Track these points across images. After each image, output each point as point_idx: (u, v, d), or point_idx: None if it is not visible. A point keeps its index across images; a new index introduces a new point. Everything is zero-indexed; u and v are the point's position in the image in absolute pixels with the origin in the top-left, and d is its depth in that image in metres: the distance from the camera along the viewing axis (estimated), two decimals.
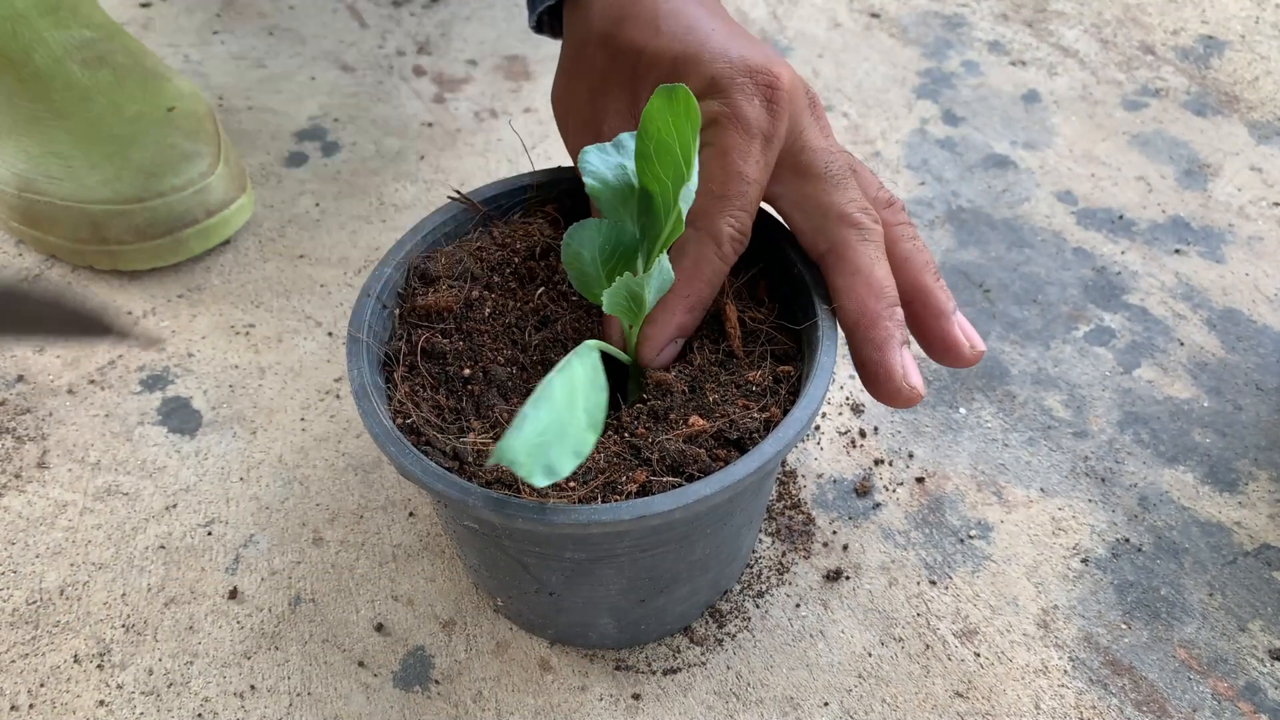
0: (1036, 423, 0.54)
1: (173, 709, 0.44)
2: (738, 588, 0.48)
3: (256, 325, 0.59)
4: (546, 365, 0.41)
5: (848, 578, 0.48)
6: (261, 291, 0.61)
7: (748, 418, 0.38)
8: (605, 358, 0.40)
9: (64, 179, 0.58)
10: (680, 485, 0.35)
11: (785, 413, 0.38)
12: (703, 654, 0.46)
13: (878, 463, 0.53)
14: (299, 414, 0.55)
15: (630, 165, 0.36)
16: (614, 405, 0.41)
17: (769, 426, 0.38)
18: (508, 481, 0.36)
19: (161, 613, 0.47)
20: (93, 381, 0.56)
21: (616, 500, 0.35)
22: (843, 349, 0.57)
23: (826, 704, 0.44)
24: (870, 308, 0.38)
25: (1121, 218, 0.65)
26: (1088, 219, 0.65)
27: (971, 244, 0.63)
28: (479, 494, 0.34)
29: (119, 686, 0.45)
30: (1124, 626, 0.46)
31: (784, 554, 0.49)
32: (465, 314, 0.42)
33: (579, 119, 0.43)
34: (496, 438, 0.38)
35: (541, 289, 0.43)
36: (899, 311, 0.39)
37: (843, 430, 0.54)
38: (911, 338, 0.41)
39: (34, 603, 0.47)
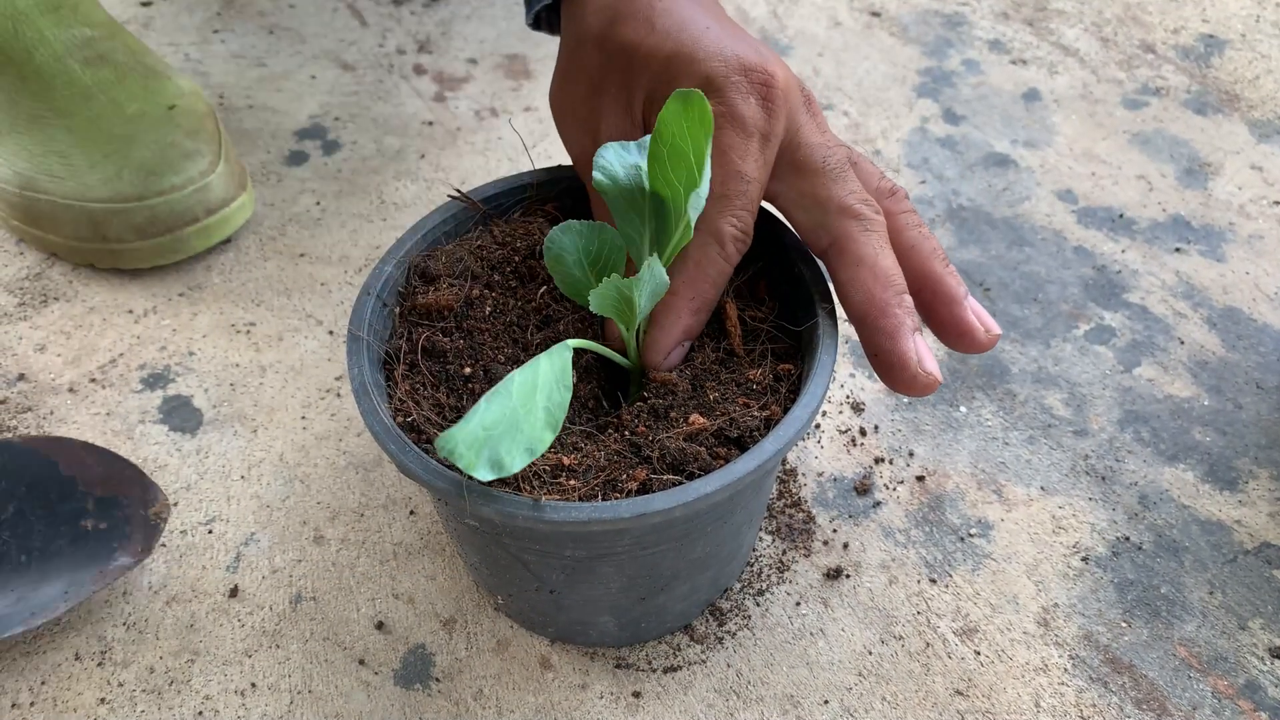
0: (1037, 421, 0.54)
1: (174, 707, 0.44)
2: (738, 586, 0.48)
3: (257, 324, 0.59)
4: None
5: (848, 576, 0.48)
6: (262, 290, 0.61)
7: (748, 416, 0.38)
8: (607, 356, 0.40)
9: (65, 177, 0.58)
10: (681, 483, 0.35)
11: (786, 411, 0.38)
12: (703, 652, 0.46)
13: (878, 461, 0.53)
14: (300, 412, 0.55)
15: (645, 166, 0.36)
16: (614, 404, 0.41)
17: (769, 425, 0.38)
18: (508, 480, 0.36)
19: (163, 611, 0.47)
20: (94, 380, 0.56)
21: (617, 498, 0.36)
22: (843, 347, 0.58)
23: (827, 702, 0.44)
24: (878, 297, 0.38)
25: (1122, 216, 0.65)
26: (1088, 218, 0.65)
27: (972, 243, 0.63)
28: (479, 492, 0.34)
29: (120, 684, 0.45)
30: (1124, 625, 0.46)
31: (784, 552, 0.49)
32: (466, 312, 0.42)
33: (576, 118, 0.43)
34: None
35: (543, 288, 0.43)
36: (908, 299, 0.38)
37: (843, 429, 0.54)
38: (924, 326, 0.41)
39: None
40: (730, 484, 0.35)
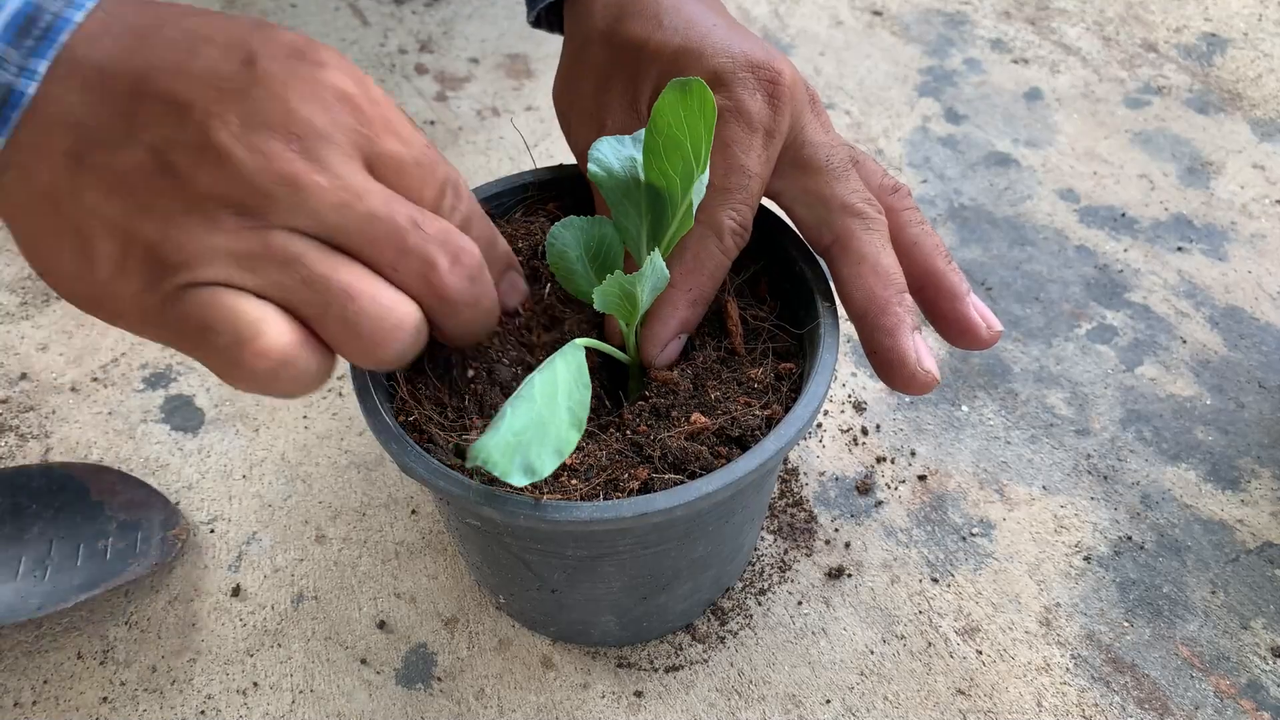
0: (1039, 420, 0.54)
1: (175, 706, 0.44)
2: (740, 585, 0.48)
3: None
4: None
5: (849, 575, 0.48)
6: None
7: (749, 415, 0.38)
8: (608, 356, 0.40)
9: None
10: (682, 483, 0.35)
11: (787, 410, 0.38)
12: (705, 651, 0.46)
13: (880, 460, 0.53)
14: (301, 411, 0.55)
15: (641, 158, 0.36)
16: (615, 403, 0.41)
17: (771, 424, 0.38)
18: None
19: (165, 610, 0.47)
20: (95, 379, 0.56)
21: (618, 497, 0.36)
22: (844, 346, 0.57)
23: (828, 701, 0.44)
24: (878, 295, 0.38)
25: (1124, 215, 0.65)
26: (1090, 217, 0.65)
27: (973, 242, 0.63)
28: (481, 491, 0.34)
29: (122, 683, 0.45)
30: (1126, 624, 0.46)
31: (786, 551, 0.49)
32: None
33: (581, 114, 0.43)
34: None
35: (548, 285, 0.43)
36: (908, 297, 0.38)
37: (845, 428, 0.54)
38: (923, 323, 0.41)
39: None
40: (732, 483, 0.35)
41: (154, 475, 0.52)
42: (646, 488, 0.36)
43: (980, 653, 0.46)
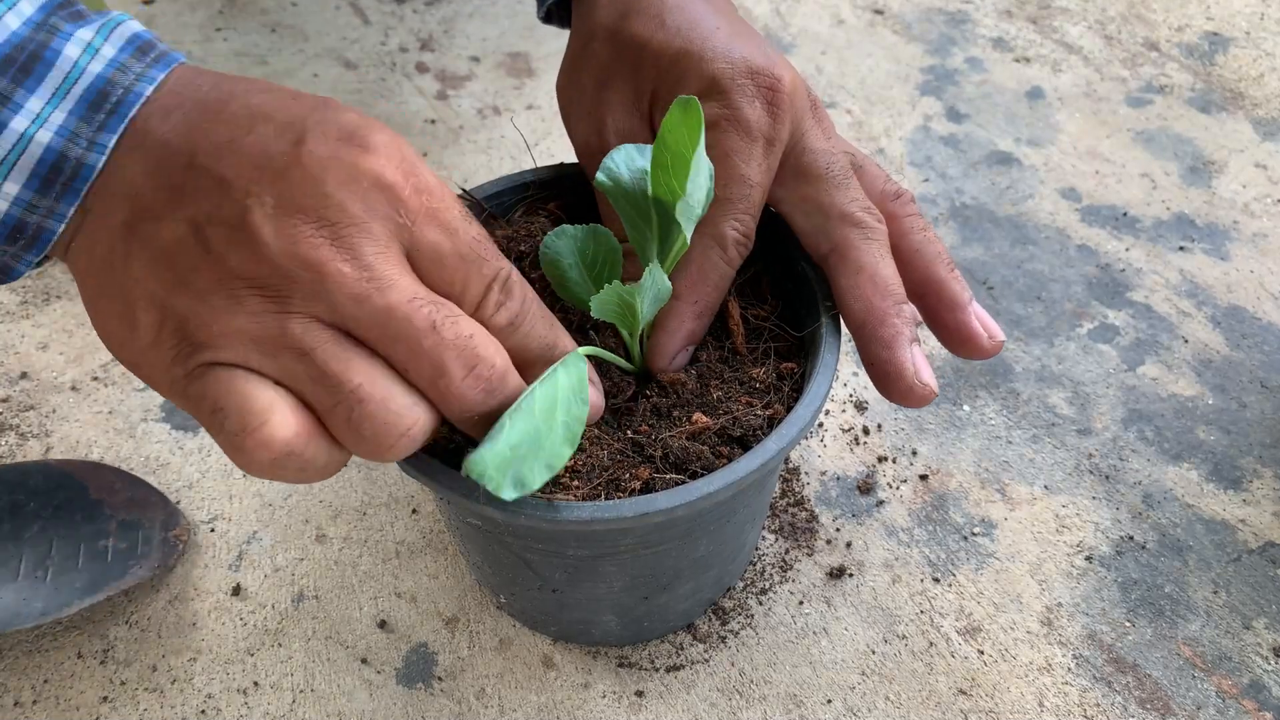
0: (1040, 420, 0.54)
1: (176, 705, 0.44)
2: (741, 585, 0.48)
3: None
4: None
5: (851, 575, 0.48)
6: None
7: (751, 415, 0.38)
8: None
9: None
10: (684, 482, 0.35)
11: (788, 410, 0.38)
12: (706, 651, 0.46)
13: (881, 460, 0.53)
14: None
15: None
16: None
17: (772, 424, 0.38)
18: None
19: (165, 609, 0.47)
20: (96, 378, 0.56)
21: (620, 497, 0.35)
22: (846, 346, 0.57)
23: (830, 701, 0.44)
24: (877, 306, 0.38)
25: (1126, 215, 0.65)
26: (1092, 216, 0.65)
27: (975, 241, 0.63)
28: (482, 491, 0.34)
29: (122, 683, 0.45)
30: (1128, 624, 0.46)
31: (787, 551, 0.49)
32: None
33: (582, 110, 0.43)
34: None
35: (549, 287, 0.43)
36: (907, 308, 0.38)
37: (846, 427, 0.54)
38: (922, 335, 0.41)
39: None
40: (733, 483, 0.34)
41: (154, 474, 0.52)
42: (648, 487, 0.36)
43: (982, 652, 0.46)
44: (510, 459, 0.32)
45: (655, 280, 0.35)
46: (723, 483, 0.34)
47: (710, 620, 0.47)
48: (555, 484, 0.36)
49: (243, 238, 0.29)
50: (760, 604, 0.47)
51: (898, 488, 0.51)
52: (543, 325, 0.35)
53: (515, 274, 0.33)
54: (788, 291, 0.43)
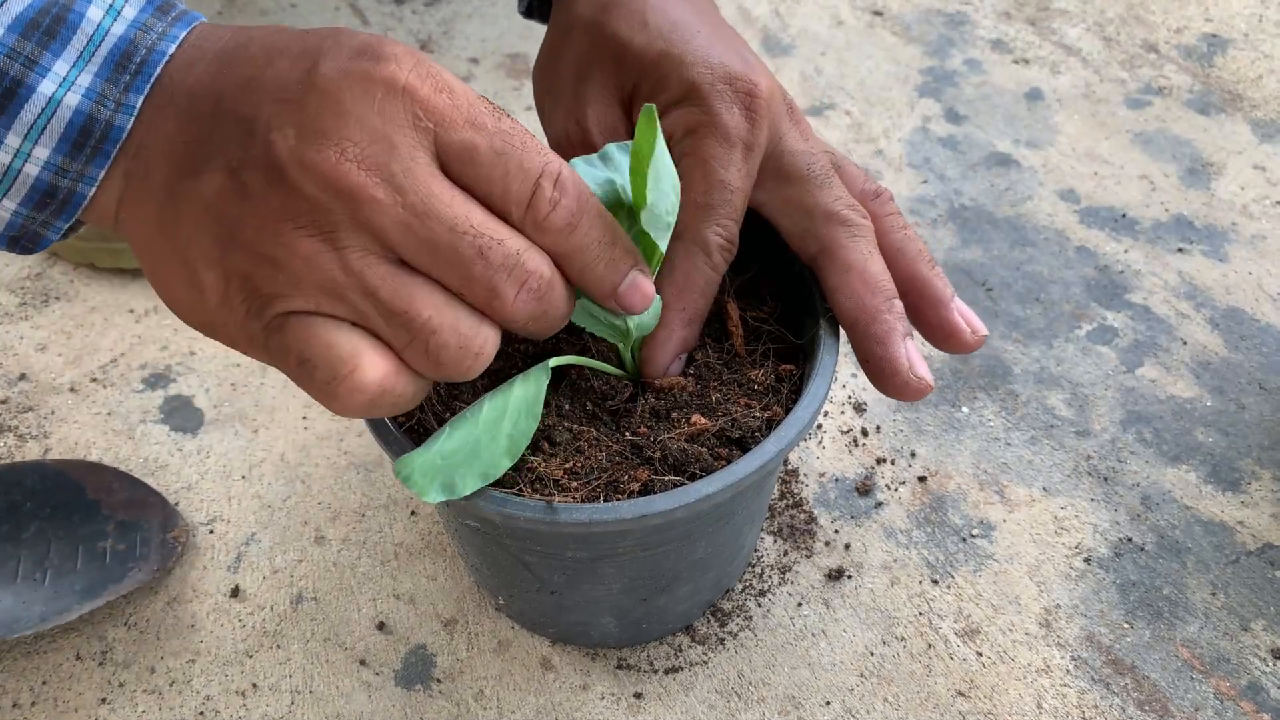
0: (1039, 422, 0.54)
1: (174, 707, 0.44)
2: (739, 587, 0.48)
3: None
4: None
5: (849, 577, 0.48)
6: None
7: (750, 416, 0.38)
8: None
9: None
10: (682, 484, 0.35)
11: (787, 411, 0.38)
12: (704, 653, 0.46)
13: (880, 461, 0.53)
14: (301, 412, 0.55)
15: (618, 179, 0.36)
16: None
17: (771, 425, 0.38)
18: (508, 481, 0.36)
19: (164, 611, 0.47)
20: (95, 380, 0.56)
21: (618, 499, 0.35)
22: (844, 347, 0.57)
23: (828, 703, 0.44)
24: (868, 303, 0.38)
25: (1124, 216, 0.65)
26: (1090, 218, 0.65)
27: (974, 242, 0.63)
28: (481, 493, 0.34)
29: (121, 684, 0.45)
30: (1126, 626, 0.46)
31: (786, 553, 0.49)
32: None
33: (559, 101, 0.43)
34: None
35: None
36: (898, 304, 0.38)
37: (845, 429, 0.54)
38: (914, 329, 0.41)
39: None
40: (732, 485, 0.35)
41: (153, 476, 0.52)
42: (646, 489, 0.36)
43: (980, 654, 0.46)
44: (440, 466, 0.33)
45: None
46: (721, 484, 0.34)
47: (709, 622, 0.47)
48: (554, 485, 0.36)
49: (275, 176, 0.29)
50: (759, 606, 0.47)
51: (896, 489, 0.51)
52: (598, 219, 0.33)
53: (566, 169, 0.32)
54: (786, 293, 0.43)
